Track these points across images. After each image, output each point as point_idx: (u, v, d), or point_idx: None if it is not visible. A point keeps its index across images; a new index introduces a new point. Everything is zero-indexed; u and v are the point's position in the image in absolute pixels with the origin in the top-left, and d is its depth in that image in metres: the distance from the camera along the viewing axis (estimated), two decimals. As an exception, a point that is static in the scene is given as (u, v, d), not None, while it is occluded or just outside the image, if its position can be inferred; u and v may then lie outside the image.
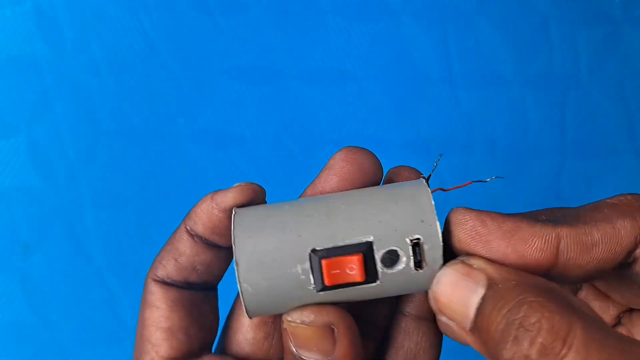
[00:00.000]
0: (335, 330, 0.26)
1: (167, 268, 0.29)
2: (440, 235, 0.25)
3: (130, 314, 0.55)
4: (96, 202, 0.55)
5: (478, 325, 0.23)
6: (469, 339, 0.24)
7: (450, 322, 0.25)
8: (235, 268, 0.26)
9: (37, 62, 0.53)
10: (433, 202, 0.25)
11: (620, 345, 0.21)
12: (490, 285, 0.23)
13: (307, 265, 0.26)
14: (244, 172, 0.55)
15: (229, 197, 0.28)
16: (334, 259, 0.25)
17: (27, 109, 0.54)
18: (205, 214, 0.28)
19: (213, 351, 0.31)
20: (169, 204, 0.55)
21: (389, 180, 0.29)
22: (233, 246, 0.26)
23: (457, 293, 0.24)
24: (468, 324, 0.24)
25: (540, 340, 0.21)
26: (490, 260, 0.24)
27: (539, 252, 0.24)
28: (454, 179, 0.54)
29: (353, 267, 0.25)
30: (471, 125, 0.55)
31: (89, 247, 0.55)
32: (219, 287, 0.32)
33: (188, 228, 0.29)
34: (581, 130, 0.55)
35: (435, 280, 0.25)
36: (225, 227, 0.28)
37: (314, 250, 0.26)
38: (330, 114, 0.55)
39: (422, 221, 0.25)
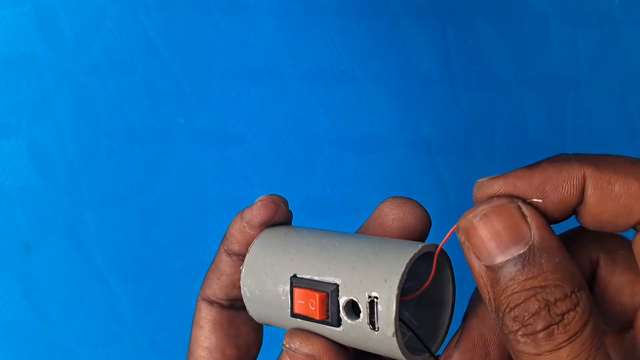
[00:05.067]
0: None
1: (212, 287, 0.31)
2: (395, 301, 0.24)
3: (130, 314, 0.55)
4: (96, 202, 0.55)
5: (498, 271, 0.23)
6: (483, 274, 0.24)
7: (470, 254, 0.24)
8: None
9: (37, 62, 0.53)
10: (404, 269, 0.24)
11: None
12: (531, 249, 0.23)
13: (288, 288, 0.27)
14: (244, 172, 0.55)
15: (254, 214, 0.30)
16: (303, 290, 0.26)
17: (27, 109, 0.54)
18: (238, 233, 0.30)
19: None
20: (169, 204, 0.55)
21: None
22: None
23: (498, 236, 0.24)
24: (493, 261, 0.24)
25: (553, 328, 0.22)
26: (542, 221, 0.24)
27: (568, 196, 0.25)
28: (454, 179, 0.54)
29: (313, 303, 0.26)
30: (471, 125, 0.55)
31: (89, 247, 0.55)
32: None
33: (226, 248, 0.31)
34: (581, 130, 0.55)
35: (483, 208, 0.24)
36: None
37: (294, 277, 0.27)
38: (330, 114, 0.55)
39: (385, 281, 0.24)
